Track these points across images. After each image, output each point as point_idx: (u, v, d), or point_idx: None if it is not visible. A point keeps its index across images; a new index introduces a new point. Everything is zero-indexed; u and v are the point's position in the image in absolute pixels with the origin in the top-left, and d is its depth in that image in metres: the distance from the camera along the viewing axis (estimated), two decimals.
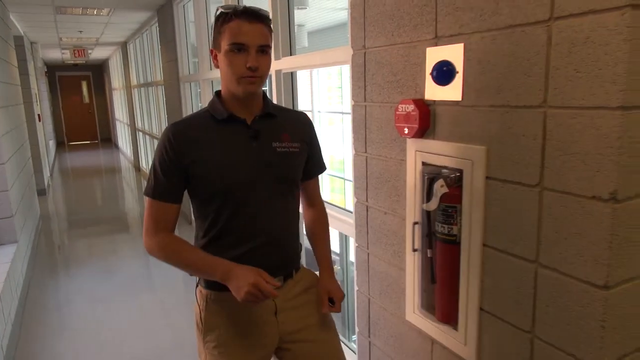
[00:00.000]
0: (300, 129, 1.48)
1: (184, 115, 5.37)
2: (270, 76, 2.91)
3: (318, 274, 1.59)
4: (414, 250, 1.67)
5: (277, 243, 1.40)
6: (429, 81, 1.53)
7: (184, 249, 1.36)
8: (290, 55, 2.80)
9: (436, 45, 1.50)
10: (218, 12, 1.31)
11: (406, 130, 1.61)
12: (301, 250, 1.55)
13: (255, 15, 1.28)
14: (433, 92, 1.53)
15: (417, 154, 1.62)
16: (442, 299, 1.59)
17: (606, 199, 1.07)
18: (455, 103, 1.45)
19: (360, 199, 2.02)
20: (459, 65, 1.42)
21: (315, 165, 1.55)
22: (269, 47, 1.31)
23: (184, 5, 5.10)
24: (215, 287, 1.39)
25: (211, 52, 1.36)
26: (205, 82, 4.54)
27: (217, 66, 1.34)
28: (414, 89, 1.63)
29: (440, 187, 1.52)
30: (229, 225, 1.36)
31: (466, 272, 1.47)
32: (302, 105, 3.31)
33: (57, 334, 3.38)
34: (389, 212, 1.84)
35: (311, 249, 1.65)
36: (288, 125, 1.45)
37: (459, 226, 1.48)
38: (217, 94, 1.41)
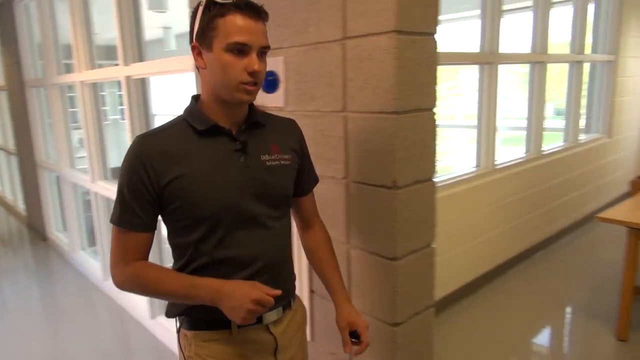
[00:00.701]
0: (289, 137, 1.26)
1: (31, 123, 4.93)
2: (120, 83, 2.86)
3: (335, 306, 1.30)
4: None
5: (274, 270, 1.19)
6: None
7: (162, 275, 1.14)
8: (140, 61, 2.78)
9: None
10: (207, 0, 1.07)
11: None
12: (295, 277, 1.33)
13: (258, 10, 1.07)
14: (263, 99, 1.69)
15: None
16: None
17: (390, 186, 1.31)
18: (280, 109, 1.63)
19: None
20: (282, 75, 1.60)
21: (309, 177, 1.33)
22: (269, 48, 1.13)
23: (25, 4, 4.69)
24: (201, 326, 1.19)
25: (193, 48, 1.11)
26: (53, 88, 4.23)
27: (201, 66, 1.11)
28: None
29: None
30: (217, 254, 1.14)
31: (297, 258, 1.65)
32: (170, 111, 3.28)
33: None
34: None
35: (318, 276, 1.38)
36: (276, 134, 1.24)
37: None
38: (196, 99, 1.19)
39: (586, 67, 4.52)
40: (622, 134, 5.05)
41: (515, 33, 4.18)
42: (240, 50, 1.05)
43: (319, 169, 1.52)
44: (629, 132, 5.20)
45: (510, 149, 4.04)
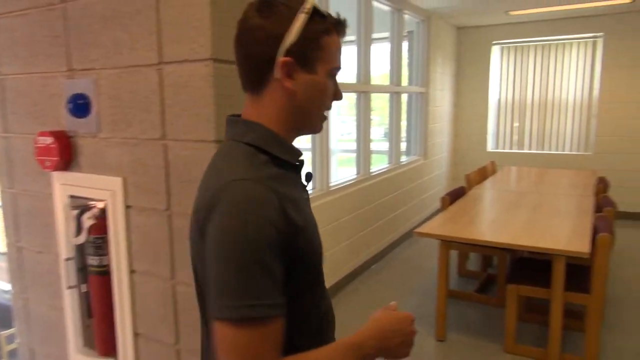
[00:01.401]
0: None
1: None
2: None
3: None
4: (69, 287, 1.59)
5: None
6: (67, 113, 1.51)
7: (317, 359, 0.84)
8: None
9: (72, 77, 1.50)
10: (310, 8, 0.85)
11: (47, 163, 1.54)
12: None
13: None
14: (72, 124, 1.51)
15: (62, 187, 1.56)
16: (100, 333, 1.56)
17: None
18: (94, 135, 1.48)
19: (11, 240, 1.81)
20: (94, 99, 1.45)
21: None
22: None
23: None
24: None
25: (284, 64, 0.85)
26: None
27: (289, 88, 0.87)
28: (56, 120, 1.57)
29: (87, 220, 1.51)
30: (323, 308, 1.00)
31: (119, 300, 1.50)
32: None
33: None
34: (43, 251, 1.71)
35: None
36: None
37: (109, 256, 1.50)
38: (262, 126, 0.90)
39: (405, 97, 5.11)
40: (435, 155, 5.81)
41: (346, 64, 4.54)
42: (335, 76, 0.93)
43: (138, 201, 1.41)
44: (440, 154, 6.00)
45: (349, 170, 4.32)
